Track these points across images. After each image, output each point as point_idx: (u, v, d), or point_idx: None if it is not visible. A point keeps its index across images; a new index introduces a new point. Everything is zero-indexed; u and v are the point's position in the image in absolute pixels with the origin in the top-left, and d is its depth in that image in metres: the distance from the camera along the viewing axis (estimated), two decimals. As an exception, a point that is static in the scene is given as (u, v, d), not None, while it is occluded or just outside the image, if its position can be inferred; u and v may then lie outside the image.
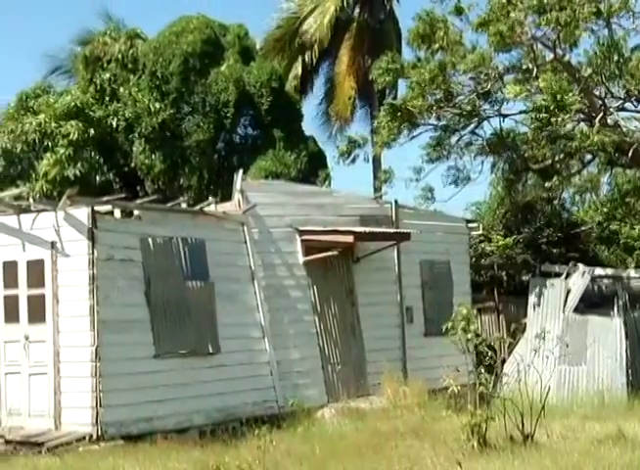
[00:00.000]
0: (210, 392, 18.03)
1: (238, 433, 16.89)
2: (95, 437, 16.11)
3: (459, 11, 23.58)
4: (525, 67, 23.67)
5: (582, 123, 24.69)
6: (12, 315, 17.38)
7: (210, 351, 18.40)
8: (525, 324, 24.31)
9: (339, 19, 32.31)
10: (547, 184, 26.50)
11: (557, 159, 25.98)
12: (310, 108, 35.26)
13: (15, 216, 17.58)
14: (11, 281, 17.43)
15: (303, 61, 33.00)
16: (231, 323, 18.78)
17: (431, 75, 23.20)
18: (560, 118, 22.19)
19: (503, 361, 21.20)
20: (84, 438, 16.03)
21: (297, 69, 33.04)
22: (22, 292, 17.33)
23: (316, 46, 32.63)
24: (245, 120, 29.06)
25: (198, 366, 18.04)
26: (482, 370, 14.92)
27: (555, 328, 23.59)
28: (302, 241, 20.42)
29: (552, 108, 21.88)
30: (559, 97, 21.67)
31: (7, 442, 15.75)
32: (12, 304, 17.40)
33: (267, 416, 18.15)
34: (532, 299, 25.04)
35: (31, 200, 19.86)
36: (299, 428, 16.45)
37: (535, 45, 23.17)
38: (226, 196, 20.64)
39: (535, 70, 23.18)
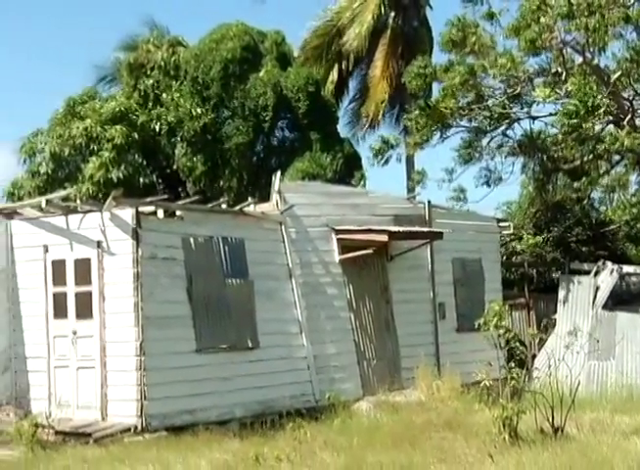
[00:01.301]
0: (250, 385, 18.05)
1: (276, 425, 16.89)
2: (139, 428, 16.20)
3: (490, 16, 23.55)
4: (554, 70, 23.57)
5: (611, 125, 24.55)
6: (61, 311, 17.52)
7: (250, 346, 18.44)
8: (555, 320, 24.21)
9: (374, 26, 32.26)
10: (576, 184, 26.43)
11: (586, 159, 25.88)
12: (344, 110, 35.25)
13: (63, 217, 17.73)
14: (60, 279, 17.57)
15: (340, 66, 32.99)
16: (270, 319, 18.82)
17: (462, 79, 23.13)
18: (590, 124, 22.12)
19: (533, 356, 21.23)
20: (129, 429, 16.13)
21: (334, 74, 33.03)
22: (70, 289, 17.47)
23: (353, 54, 32.61)
24: (282, 124, 29.10)
25: (238, 361, 18.09)
26: (514, 365, 14.89)
27: (584, 324, 23.45)
28: (338, 240, 20.42)
29: (582, 113, 21.79)
30: (590, 102, 21.55)
31: (57, 432, 15.83)
32: (60, 300, 17.55)
33: (305, 409, 18.16)
34: (562, 296, 24.93)
35: (78, 201, 20.05)
36: (336, 420, 16.41)
37: (565, 49, 23.08)
38: (265, 197, 20.69)
39: (564, 73, 23.08)
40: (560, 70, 23.29)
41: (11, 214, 18.50)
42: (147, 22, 31.33)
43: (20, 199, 25.74)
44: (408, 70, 25.51)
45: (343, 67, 33.12)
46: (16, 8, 58.43)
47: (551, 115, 24.80)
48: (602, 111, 22.06)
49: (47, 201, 18.30)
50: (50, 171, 27.80)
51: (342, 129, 33.08)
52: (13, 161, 31.22)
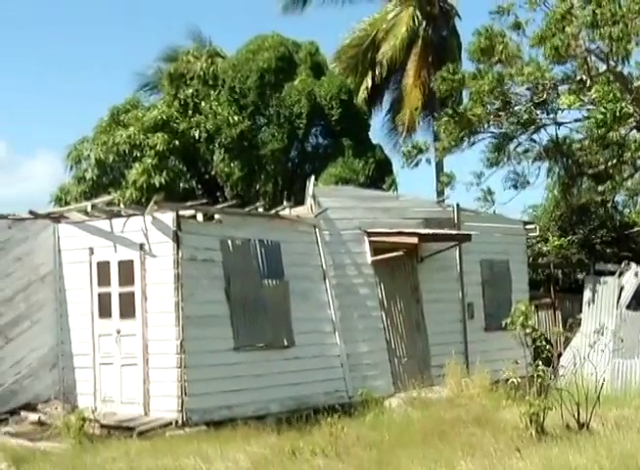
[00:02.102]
0: (285, 382, 18.08)
1: (311, 420, 16.84)
2: (180, 423, 16.28)
3: (517, 26, 23.45)
4: (578, 78, 23.45)
5: (634, 131, 24.41)
6: (105, 311, 17.63)
7: (285, 344, 18.47)
8: (581, 320, 24.09)
9: (410, 36, 32.25)
10: (600, 188, 26.25)
11: (610, 164, 25.72)
12: (379, 118, 35.27)
13: (107, 221, 17.84)
14: (104, 280, 17.68)
15: (373, 75, 32.99)
16: (304, 318, 18.84)
17: (490, 87, 23.07)
18: (616, 132, 22.05)
19: (559, 355, 21.10)
20: (170, 423, 16.21)
21: (368, 83, 33.03)
22: (114, 290, 17.57)
23: (386, 63, 32.60)
24: (316, 130, 29.14)
25: (274, 358, 18.11)
26: (540, 363, 14.80)
27: (609, 323, 23.30)
28: (370, 242, 20.41)
29: (610, 121, 21.69)
30: (617, 111, 21.45)
31: (102, 426, 15.93)
32: (105, 300, 17.66)
33: (338, 405, 18.12)
34: (587, 296, 24.78)
35: (122, 205, 20.19)
36: (368, 416, 16.39)
37: (589, 57, 22.94)
38: (299, 201, 20.69)
39: (589, 80, 22.97)
40: (584, 77, 23.16)
41: (58, 218, 18.63)
42: (192, 32, 31.55)
43: (66, 203, 25.90)
44: (437, 75, 25.50)
45: (377, 76, 33.10)
46: (63, 19, 58.88)
47: (576, 121, 24.70)
48: (628, 120, 21.92)
49: (92, 205, 18.46)
50: (95, 177, 27.97)
51: (381, 137, 33.16)
52: (60, 167, 31.55)
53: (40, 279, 18.06)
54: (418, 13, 32.60)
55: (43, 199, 30.14)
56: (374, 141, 30.61)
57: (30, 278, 17.91)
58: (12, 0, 59.44)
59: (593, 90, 22.35)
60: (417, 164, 26.53)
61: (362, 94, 31.81)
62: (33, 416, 16.84)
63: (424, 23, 33.12)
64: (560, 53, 22.11)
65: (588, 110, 23.34)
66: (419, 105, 32.65)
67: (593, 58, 23.10)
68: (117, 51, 60.27)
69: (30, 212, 18.42)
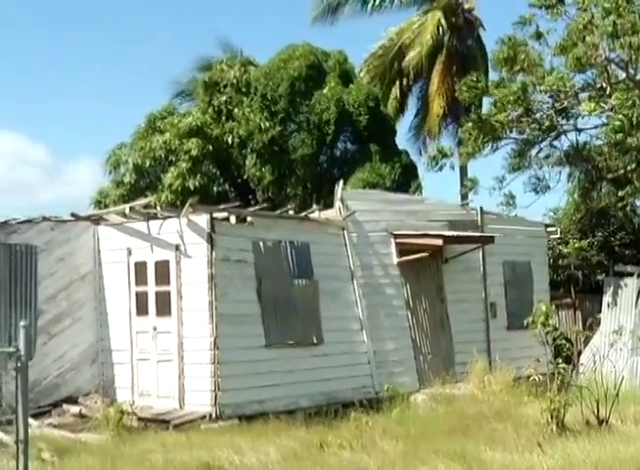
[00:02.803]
0: (315, 378, 18.12)
1: (339, 415, 16.86)
2: (214, 416, 16.35)
3: (539, 35, 23.42)
4: (599, 85, 23.36)
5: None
6: (142, 309, 17.75)
7: (315, 341, 18.51)
8: (600, 319, 23.99)
9: (435, 45, 32.22)
10: (620, 192, 26.09)
11: (629, 169, 25.56)
12: (405, 125, 35.25)
13: (144, 223, 17.95)
14: (141, 279, 17.81)
15: (401, 83, 32.99)
16: (333, 317, 18.87)
17: (515, 96, 23.03)
18: (635, 138, 21.94)
19: (579, 353, 21.05)
20: (204, 417, 16.28)
21: (396, 90, 33.03)
22: (151, 288, 17.68)
23: (412, 72, 32.59)
24: (344, 136, 29.12)
25: (303, 355, 18.16)
26: (560, 361, 14.79)
27: (628, 323, 23.22)
28: (396, 244, 20.42)
29: (627, 128, 21.60)
30: (634, 118, 21.35)
31: (139, 419, 16.05)
32: (142, 299, 17.78)
33: (365, 400, 18.18)
34: (606, 296, 24.70)
35: (158, 208, 20.24)
36: (394, 411, 16.41)
37: (609, 66, 22.86)
38: (328, 204, 20.73)
39: (609, 88, 22.88)
40: (604, 85, 23.08)
41: (98, 220, 18.77)
42: (222, 42, 31.63)
43: (106, 206, 26.04)
44: (462, 83, 25.47)
45: (404, 83, 33.10)
46: (103, 32, 59.28)
47: (596, 127, 24.57)
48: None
49: (130, 208, 18.56)
50: (133, 181, 28.10)
51: (407, 143, 33.14)
52: (100, 172, 31.75)
53: (81, 278, 18.20)
54: (443, 22, 32.52)
55: (83, 202, 30.45)
56: (400, 147, 30.64)
57: (72, 277, 18.06)
58: (52, 11, 59.84)
59: (613, 97, 22.23)
60: (441, 168, 26.43)
61: (392, 102, 31.76)
62: (74, 409, 16.99)
63: (449, 33, 33.05)
64: (581, 62, 22.06)
65: (608, 116, 23.21)
66: (441, 112, 32.61)
67: (613, 66, 23.03)
68: (153, 60, 60.57)
69: (72, 215, 18.58)
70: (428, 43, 31.92)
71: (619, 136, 22.08)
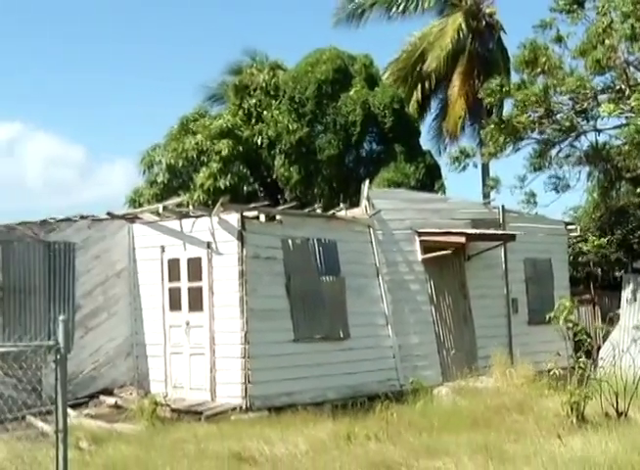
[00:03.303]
0: (341, 371, 18.12)
1: (365, 407, 16.86)
2: (244, 408, 16.39)
3: (558, 39, 23.35)
4: (618, 87, 23.23)
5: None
6: (175, 304, 17.82)
7: (341, 336, 18.49)
8: (619, 315, 23.83)
9: (453, 49, 32.12)
10: (638, 191, 25.94)
11: (647, 168, 25.42)
12: (427, 125, 35.13)
13: (177, 221, 18.02)
14: (174, 275, 17.88)
15: (423, 86, 32.89)
16: (359, 312, 18.86)
17: (537, 97, 22.94)
18: None
19: (598, 347, 20.93)
20: (235, 408, 16.33)
21: (418, 93, 32.93)
22: (184, 285, 17.74)
23: (434, 75, 32.50)
24: (370, 137, 29.09)
25: (330, 349, 18.15)
26: (581, 355, 14.72)
27: (646, 318, 23.07)
28: (421, 241, 20.38)
29: None
30: None
31: (172, 410, 16.12)
32: (175, 294, 17.85)
33: (390, 393, 18.05)
34: (625, 292, 24.50)
35: (191, 207, 20.32)
36: (418, 404, 16.36)
37: (628, 68, 22.74)
38: (354, 203, 20.71)
39: (627, 90, 22.75)
40: (623, 87, 22.95)
41: (132, 219, 18.84)
42: (248, 50, 31.70)
43: (140, 205, 26.12)
44: (485, 87, 25.36)
45: (426, 86, 33.00)
46: (137, 37, 59.55)
47: (615, 128, 24.42)
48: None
49: (164, 207, 18.62)
50: (166, 181, 28.19)
51: (428, 143, 33.05)
52: (134, 172, 31.89)
53: (116, 275, 18.30)
54: (464, 26, 32.40)
55: (118, 201, 30.49)
56: (424, 147, 30.59)
57: (108, 274, 18.16)
58: (95, 15, 60.16)
59: (632, 99, 22.11)
60: (464, 169, 26.38)
61: (414, 104, 31.68)
62: (110, 400, 17.08)
63: (470, 37, 32.94)
64: (601, 64, 21.97)
65: (627, 117, 23.08)
66: (464, 113, 32.51)
67: (632, 69, 22.91)
68: (185, 64, 60.76)
69: (108, 214, 18.67)
70: (447, 47, 31.82)
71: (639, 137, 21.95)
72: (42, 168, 63.73)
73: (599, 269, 28.13)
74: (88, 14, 60.17)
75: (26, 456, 9.01)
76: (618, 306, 24.53)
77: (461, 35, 32.24)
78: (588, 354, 15.35)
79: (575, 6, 23.22)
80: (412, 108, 31.15)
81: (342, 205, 20.61)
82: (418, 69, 32.40)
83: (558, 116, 24.18)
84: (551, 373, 14.78)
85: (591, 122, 24.75)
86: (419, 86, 32.67)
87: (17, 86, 61.10)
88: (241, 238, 16.91)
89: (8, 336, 15.02)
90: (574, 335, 15.32)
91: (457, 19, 32.55)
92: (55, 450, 7.44)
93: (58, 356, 7.42)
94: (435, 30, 32.82)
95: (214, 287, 17.25)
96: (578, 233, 25.76)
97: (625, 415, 13.71)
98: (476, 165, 27.65)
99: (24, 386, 14.16)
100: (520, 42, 23.89)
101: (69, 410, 12.06)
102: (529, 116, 23.67)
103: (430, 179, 28.53)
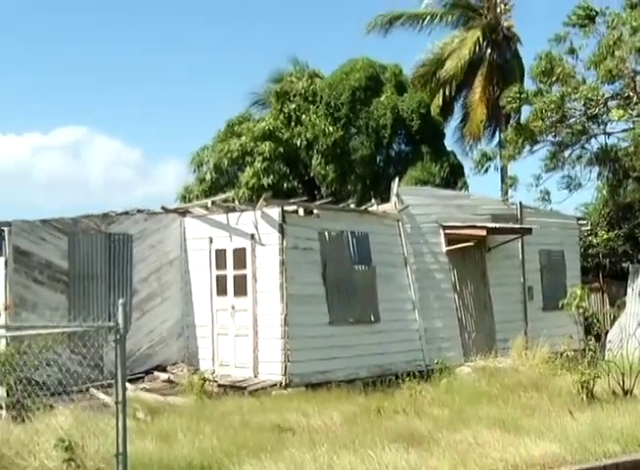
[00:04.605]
0: (372, 352, 18.12)
1: (393, 384, 16.84)
2: (283, 384, 16.45)
3: (572, 51, 23.22)
4: (626, 94, 23.03)
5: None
6: (222, 290, 17.90)
7: (372, 320, 18.49)
8: (625, 302, 23.63)
9: (473, 59, 31.92)
10: (644, 189, 25.77)
11: (652, 168, 25.21)
12: (451, 128, 34.93)
13: (224, 215, 18.09)
14: (221, 264, 17.95)
15: (444, 92, 32.68)
16: (388, 298, 18.84)
17: (555, 105, 22.83)
18: None
19: (607, 332, 20.77)
20: (275, 384, 16.39)
21: (439, 98, 32.71)
22: (230, 272, 17.81)
23: (454, 81, 32.33)
24: (399, 139, 29.08)
25: (362, 332, 18.15)
26: (591, 338, 14.64)
27: (650, 305, 22.87)
28: (445, 234, 20.32)
29: None
30: None
31: (219, 385, 16.19)
32: (222, 281, 17.92)
33: (416, 372, 18.09)
34: (631, 281, 24.29)
35: (236, 202, 20.36)
36: (442, 382, 16.35)
37: (636, 77, 22.56)
38: (385, 198, 20.67)
39: (635, 97, 22.57)
40: (631, 94, 22.77)
41: (184, 213, 18.94)
42: (290, 59, 31.71)
43: (190, 201, 26.24)
44: (505, 94, 25.24)
45: (447, 92, 32.78)
46: (188, 47, 59.79)
47: (623, 131, 24.22)
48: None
49: (212, 202, 18.74)
50: (213, 179, 28.30)
51: (453, 145, 32.89)
52: (184, 171, 32.01)
53: (169, 263, 18.40)
54: (481, 39, 32.20)
55: (170, 197, 30.69)
56: (448, 148, 30.49)
57: (161, 262, 18.27)
58: (152, 30, 60.46)
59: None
60: (487, 171, 26.28)
61: (434, 109, 31.46)
62: (164, 376, 17.19)
63: (489, 48, 32.74)
64: (612, 74, 21.84)
65: (634, 122, 22.95)
66: (484, 118, 32.31)
67: (639, 78, 22.72)
68: (233, 73, 60.92)
69: (162, 208, 18.80)
70: (465, 57, 31.61)
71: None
72: (104, 168, 64.38)
73: (607, 260, 27.87)
74: (147, 28, 60.49)
75: (90, 424, 9.09)
76: (625, 294, 24.31)
77: (477, 47, 32.02)
78: (597, 338, 15.25)
79: (587, 21, 23.06)
80: (434, 112, 30.97)
81: (373, 200, 20.57)
82: (438, 76, 32.20)
83: (571, 120, 24.00)
84: (563, 355, 14.72)
85: (601, 127, 24.56)
86: (440, 91, 32.46)
87: (85, 92, 61.77)
88: (281, 230, 16.94)
89: (74, 317, 15.15)
90: (585, 320, 15.23)
91: (476, 32, 32.33)
92: (115, 420, 7.51)
93: (117, 336, 7.48)
94: (456, 41, 32.64)
95: (257, 274, 17.30)
96: (589, 227, 25.62)
97: (631, 393, 13.63)
98: (497, 168, 27.54)
99: (88, 362, 14.35)
100: (536, 54, 23.74)
101: (128, 384, 12.16)
102: (545, 121, 23.52)
103: (453, 177, 28.48)
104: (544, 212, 23.78)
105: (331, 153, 28.04)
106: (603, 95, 23.05)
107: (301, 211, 17.53)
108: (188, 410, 13.49)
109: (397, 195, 19.74)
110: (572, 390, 13.43)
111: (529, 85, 25.27)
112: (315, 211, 17.92)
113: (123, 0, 59.46)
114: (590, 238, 26.98)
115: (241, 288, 17.54)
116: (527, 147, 24.52)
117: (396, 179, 21.00)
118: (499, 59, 32.84)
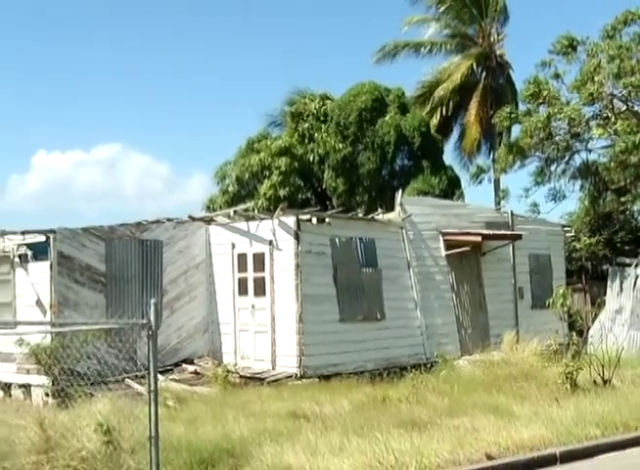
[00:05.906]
0: (378, 346, 18.10)
1: (397, 376, 16.83)
2: (299, 376, 16.46)
3: (557, 76, 23.37)
4: (605, 115, 23.10)
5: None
6: (243, 290, 17.90)
7: (378, 317, 18.48)
8: (605, 301, 23.56)
9: (466, 82, 31.86)
10: (622, 199, 25.72)
11: (629, 181, 25.27)
12: (450, 144, 34.85)
13: (245, 223, 18.11)
14: (242, 267, 17.96)
15: (440, 111, 32.60)
16: (393, 298, 18.82)
17: (542, 124, 22.90)
18: (635, 157, 21.81)
19: (588, 328, 20.74)
20: (291, 376, 16.40)
21: (437, 116, 32.63)
22: (250, 274, 17.81)
23: (450, 102, 32.28)
24: (402, 155, 29.06)
25: (369, 328, 18.14)
26: (574, 333, 14.62)
27: (627, 304, 22.76)
28: (444, 240, 20.28)
29: (629, 149, 21.50)
30: (636, 142, 21.21)
31: (240, 377, 16.14)
32: (243, 282, 17.93)
33: (418, 364, 18.07)
34: (611, 282, 24.20)
35: (256, 212, 20.41)
36: (441, 373, 16.31)
37: (613, 100, 22.64)
38: (389, 208, 20.66)
39: (613, 117, 22.64)
40: (609, 115, 22.82)
41: (209, 221, 18.97)
42: (303, 83, 31.84)
43: (214, 210, 26.32)
44: (498, 114, 25.40)
45: (443, 111, 32.68)
46: (210, 71, 59.93)
47: (603, 148, 24.35)
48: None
49: (234, 211, 18.81)
50: (235, 190, 28.40)
51: (451, 160, 32.86)
52: (208, 183, 32.11)
53: (195, 266, 18.41)
54: (475, 65, 32.17)
55: (196, 207, 30.82)
56: (446, 163, 30.46)
57: (189, 265, 18.28)
58: (176, 56, 60.67)
59: (618, 124, 22.02)
60: (481, 182, 26.45)
61: (433, 127, 31.34)
62: (191, 368, 17.18)
63: (484, 73, 32.71)
64: (592, 97, 21.93)
65: (612, 139, 23.01)
66: (478, 136, 32.27)
67: (616, 100, 22.78)
68: (253, 97, 61.03)
69: (189, 217, 18.83)
70: (456, 81, 31.63)
71: (624, 155, 21.89)
72: (136, 180, 64.67)
73: (589, 263, 27.77)
74: (173, 53, 60.67)
75: (126, 411, 9.12)
76: (605, 294, 24.24)
77: (471, 72, 32.00)
78: (580, 333, 15.24)
79: (570, 49, 23.18)
80: (433, 130, 30.92)
81: (379, 210, 20.57)
82: (434, 96, 32.17)
83: (556, 138, 24.05)
84: (550, 348, 14.69)
85: (583, 144, 24.67)
86: (438, 110, 32.42)
87: (118, 114, 62.03)
88: (297, 237, 16.97)
89: (111, 315, 15.22)
90: (569, 317, 15.21)
91: (470, 59, 32.34)
92: (148, 407, 7.54)
93: (150, 332, 7.51)
94: (453, 66, 32.64)
95: (275, 276, 17.30)
96: (573, 234, 25.60)
97: (610, 383, 13.65)
98: (490, 180, 27.59)
99: (124, 355, 14.35)
100: (525, 78, 24.00)
101: (159, 375, 12.20)
102: (533, 138, 23.56)
103: (451, 189, 28.45)
104: (533, 220, 23.76)
105: (341, 167, 28.08)
106: (584, 115, 23.16)
107: (315, 220, 17.54)
108: (213, 399, 13.52)
109: (401, 205, 19.74)
110: (558, 380, 13.43)
111: (521, 107, 25.40)
112: (327, 220, 17.92)
113: (155, 32, 59.64)
114: (574, 243, 26.88)
115: (260, 289, 17.55)
116: (518, 162, 24.60)
117: (400, 191, 21.01)
118: (493, 82, 32.78)
